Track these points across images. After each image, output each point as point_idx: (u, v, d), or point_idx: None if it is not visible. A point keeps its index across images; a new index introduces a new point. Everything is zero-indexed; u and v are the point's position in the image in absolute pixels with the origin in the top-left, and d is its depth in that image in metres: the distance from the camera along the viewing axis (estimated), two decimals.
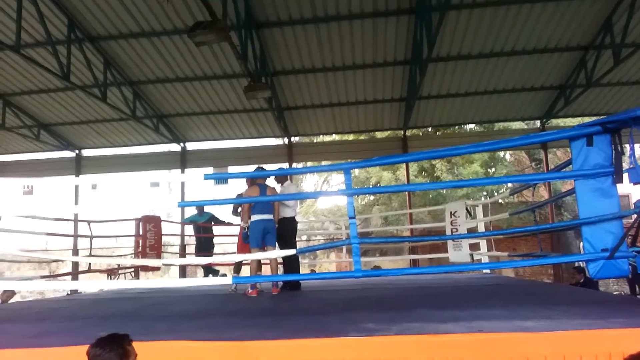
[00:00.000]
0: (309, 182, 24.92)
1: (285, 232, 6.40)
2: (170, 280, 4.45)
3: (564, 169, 5.06)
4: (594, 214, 3.48)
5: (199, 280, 4.72)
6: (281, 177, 6.75)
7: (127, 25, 9.42)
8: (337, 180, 24.29)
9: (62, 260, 15.79)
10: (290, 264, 6.44)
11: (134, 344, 2.39)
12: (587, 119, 13.75)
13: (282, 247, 6.32)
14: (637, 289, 10.05)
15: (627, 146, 3.52)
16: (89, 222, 8.65)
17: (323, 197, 25.93)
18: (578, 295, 5.11)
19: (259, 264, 6.43)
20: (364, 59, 10.55)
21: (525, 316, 3.42)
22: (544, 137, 4.23)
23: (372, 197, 19.87)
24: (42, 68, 9.22)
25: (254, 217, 6.12)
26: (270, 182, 6.76)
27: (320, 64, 10.71)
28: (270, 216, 6.17)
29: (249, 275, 6.21)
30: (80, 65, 10.00)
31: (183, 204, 3.93)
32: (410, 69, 10.81)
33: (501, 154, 19.79)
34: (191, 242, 12.94)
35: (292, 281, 6.44)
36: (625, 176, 3.43)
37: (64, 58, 9.24)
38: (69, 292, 9.14)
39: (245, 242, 6.30)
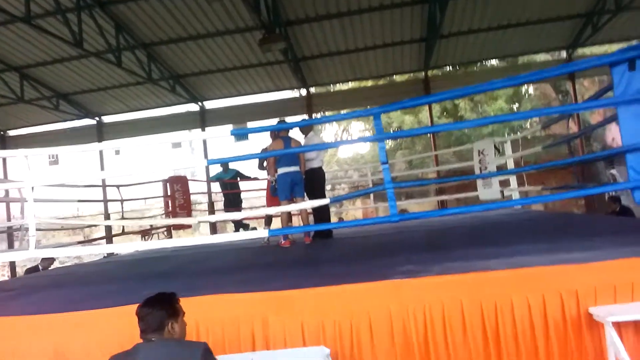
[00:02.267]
0: (329, 132, 24.78)
1: (313, 182, 6.40)
2: (203, 237, 4.50)
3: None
4: (639, 140, 3.34)
5: (233, 235, 4.73)
6: (305, 129, 6.68)
7: None
8: (357, 128, 24.06)
9: (96, 225, 16.23)
10: (322, 213, 6.46)
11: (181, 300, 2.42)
12: (615, 46, 13.17)
13: (311, 198, 6.34)
14: None
15: None
16: (118, 186, 8.76)
17: (344, 146, 25.80)
18: (619, 224, 5.01)
19: (289, 215, 6.46)
20: None
21: (569, 248, 3.36)
22: (582, 65, 3.95)
23: (395, 142, 19.66)
24: (54, 37, 9.14)
25: (280, 170, 6.12)
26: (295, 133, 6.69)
27: (335, 9, 10.33)
28: (296, 168, 6.15)
29: (280, 227, 6.26)
30: (92, 31, 9.87)
31: (212, 162, 3.89)
32: (429, 6, 10.39)
33: (524, 88, 19.24)
34: (218, 200, 13.10)
35: (323, 230, 6.49)
36: None
37: (76, 26, 9.13)
38: (106, 255, 9.35)
39: (274, 195, 6.32)
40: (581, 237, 3.98)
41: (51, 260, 8.33)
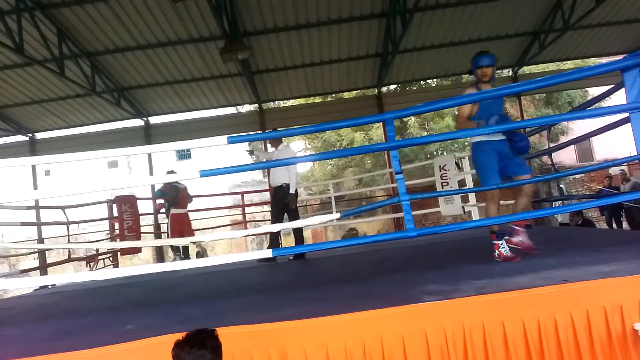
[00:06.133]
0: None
1: (284, 200, 6.05)
2: (215, 258, 3.84)
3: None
4: None
5: (233, 257, 4.06)
6: (275, 141, 6.37)
7: None
8: (298, 147, 23.73)
9: (25, 254, 14.88)
10: (298, 232, 6.11)
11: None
12: (562, 65, 13.80)
13: (290, 214, 5.98)
14: None
15: None
16: (63, 207, 7.96)
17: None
18: (618, 237, 5.00)
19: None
20: (339, 12, 9.97)
21: (607, 260, 3.21)
22: (591, 71, 3.80)
23: (345, 160, 19.42)
24: None
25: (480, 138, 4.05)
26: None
27: (294, 21, 10.06)
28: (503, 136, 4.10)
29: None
30: (31, 38, 9.03)
31: (205, 173, 3.47)
32: (387, 21, 10.36)
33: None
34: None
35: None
36: None
37: (16, 34, 8.32)
38: (38, 288, 8.22)
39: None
40: (605, 250, 3.82)
41: None
